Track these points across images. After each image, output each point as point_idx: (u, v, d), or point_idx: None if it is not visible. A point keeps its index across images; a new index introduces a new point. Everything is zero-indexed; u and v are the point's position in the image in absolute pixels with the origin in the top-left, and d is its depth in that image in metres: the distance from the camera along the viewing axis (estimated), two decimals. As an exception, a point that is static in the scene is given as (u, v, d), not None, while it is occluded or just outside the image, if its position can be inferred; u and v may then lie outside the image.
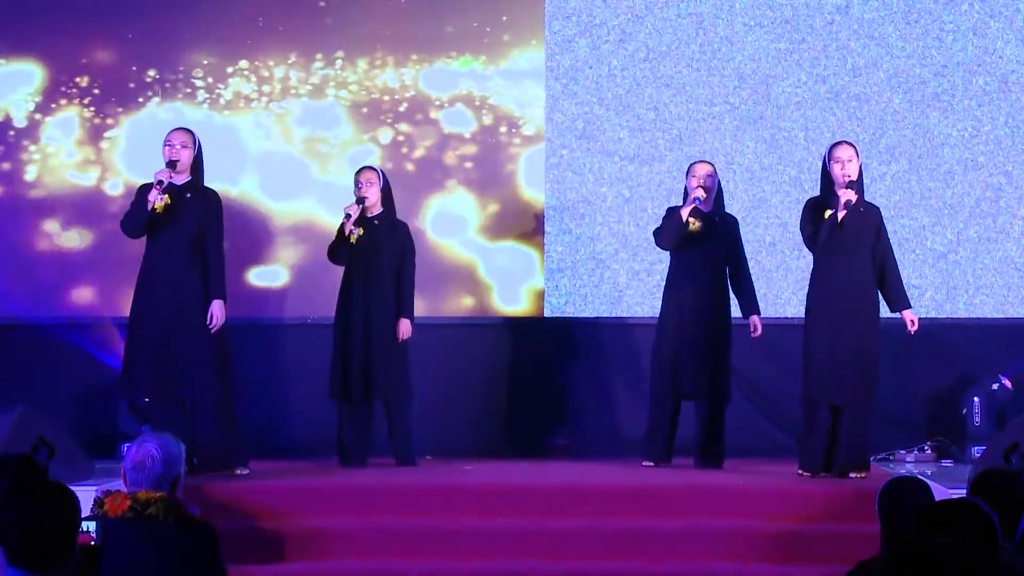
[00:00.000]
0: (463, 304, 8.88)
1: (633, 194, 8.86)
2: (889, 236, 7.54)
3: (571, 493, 6.84)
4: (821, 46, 8.84)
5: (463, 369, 8.83)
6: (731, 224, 7.94)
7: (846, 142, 7.50)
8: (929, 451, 8.43)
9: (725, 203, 7.97)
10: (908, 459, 8.34)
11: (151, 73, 8.83)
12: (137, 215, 7.35)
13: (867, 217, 7.39)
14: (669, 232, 7.82)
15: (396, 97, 8.88)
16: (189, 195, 7.38)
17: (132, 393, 7.56)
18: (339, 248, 7.87)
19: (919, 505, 3.95)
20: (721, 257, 7.87)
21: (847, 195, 7.26)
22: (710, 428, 7.77)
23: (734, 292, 7.91)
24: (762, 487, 6.96)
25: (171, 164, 7.33)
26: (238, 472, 7.25)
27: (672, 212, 7.84)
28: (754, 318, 7.90)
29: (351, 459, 7.81)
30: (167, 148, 7.40)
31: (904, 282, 7.57)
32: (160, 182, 7.24)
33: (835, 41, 8.85)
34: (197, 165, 7.47)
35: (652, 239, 7.96)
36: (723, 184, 8.00)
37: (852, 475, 7.19)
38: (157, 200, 7.24)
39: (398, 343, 7.84)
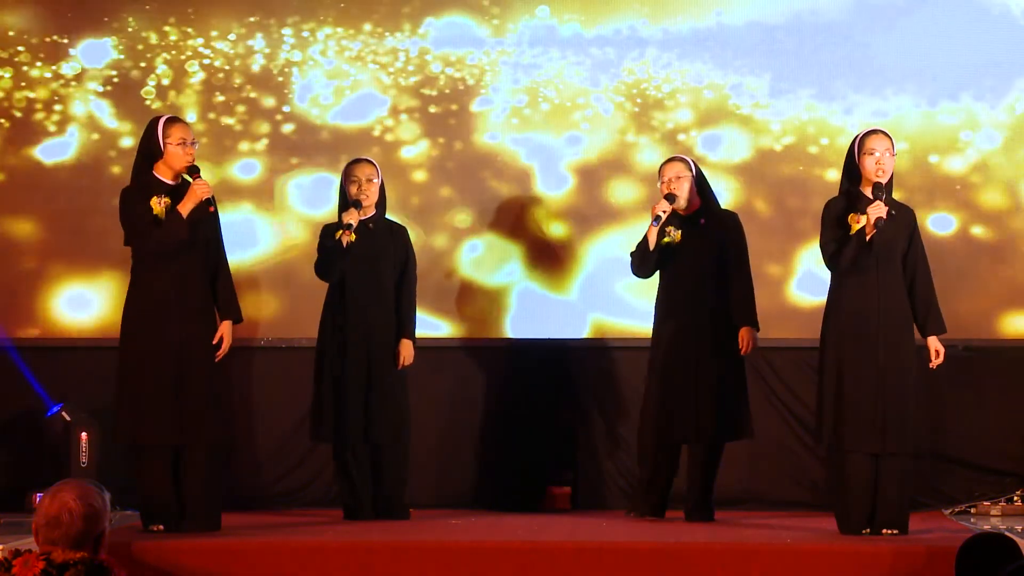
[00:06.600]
0: (447, 321, 8.92)
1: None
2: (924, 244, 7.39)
3: (579, 553, 6.82)
4: None
5: (447, 402, 8.86)
6: (726, 224, 7.91)
7: (881, 131, 7.37)
8: (1019, 502, 8.46)
9: (717, 198, 7.99)
10: (993, 512, 8.38)
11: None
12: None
13: (899, 222, 7.29)
14: (637, 258, 7.87)
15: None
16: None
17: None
18: (334, 260, 7.90)
19: (1006, 568, 3.98)
20: (715, 267, 7.85)
21: (877, 211, 7.12)
22: (702, 474, 7.84)
23: (730, 301, 7.85)
24: (814, 546, 6.97)
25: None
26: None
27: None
28: (744, 331, 7.82)
29: (360, 512, 7.91)
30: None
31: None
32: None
33: None
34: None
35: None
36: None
37: (885, 532, 7.18)
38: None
39: (398, 371, 7.98)
